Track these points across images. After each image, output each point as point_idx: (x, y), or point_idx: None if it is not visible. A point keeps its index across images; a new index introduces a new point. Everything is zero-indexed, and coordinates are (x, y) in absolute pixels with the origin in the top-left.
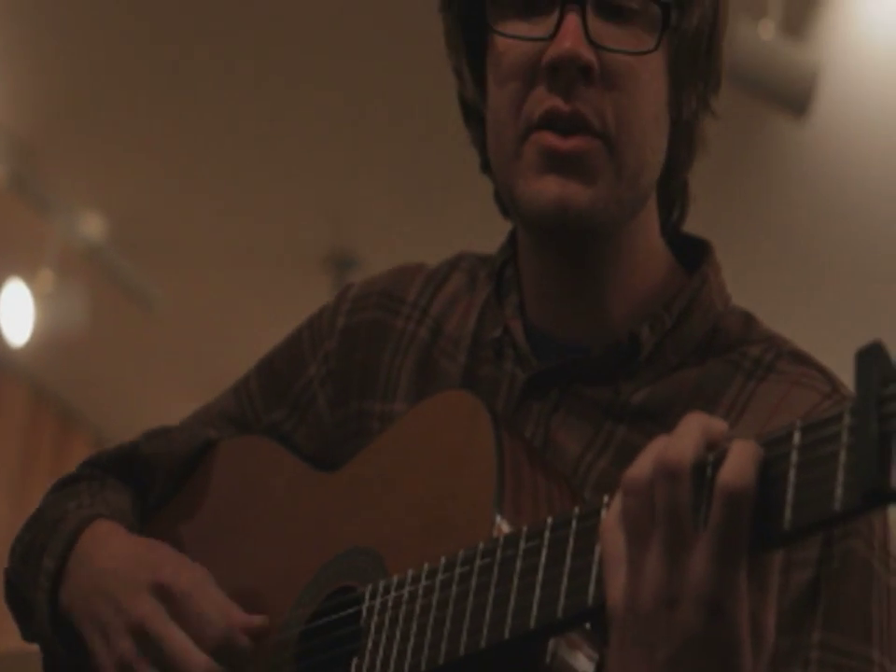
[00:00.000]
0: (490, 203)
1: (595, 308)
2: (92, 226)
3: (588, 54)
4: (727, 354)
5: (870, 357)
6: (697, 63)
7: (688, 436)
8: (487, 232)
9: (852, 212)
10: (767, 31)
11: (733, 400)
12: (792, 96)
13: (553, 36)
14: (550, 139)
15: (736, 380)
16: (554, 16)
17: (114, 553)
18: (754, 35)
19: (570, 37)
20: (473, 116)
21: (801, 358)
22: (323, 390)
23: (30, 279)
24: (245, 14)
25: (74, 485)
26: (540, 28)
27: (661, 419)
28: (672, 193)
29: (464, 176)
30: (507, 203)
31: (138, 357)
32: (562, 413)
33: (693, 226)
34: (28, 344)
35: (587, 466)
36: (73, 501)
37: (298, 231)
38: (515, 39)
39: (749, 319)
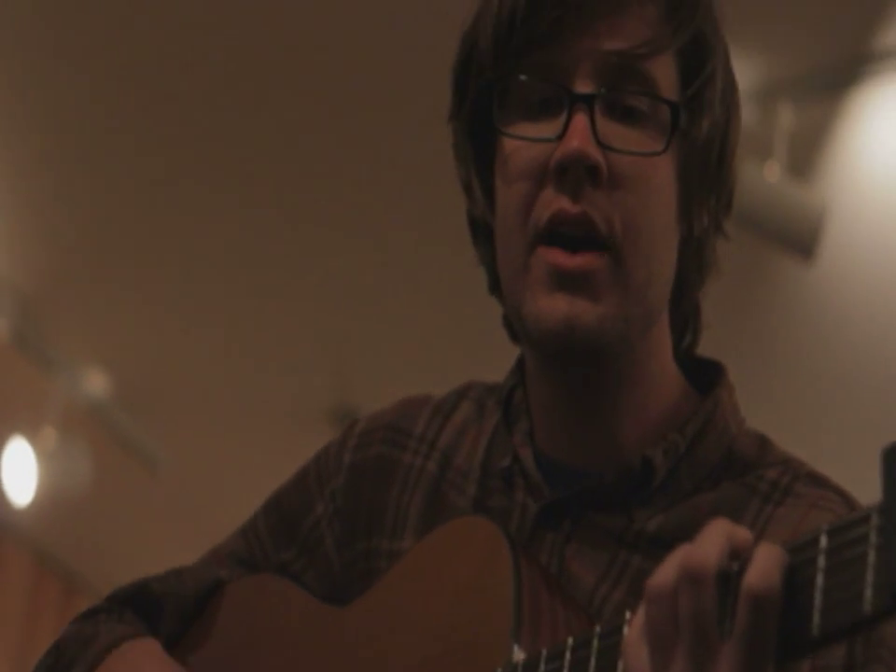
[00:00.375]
0: (498, 353)
1: (607, 433)
2: (95, 383)
3: (596, 154)
4: (743, 477)
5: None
6: (708, 173)
7: (711, 541)
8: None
9: (857, 352)
10: (773, 173)
11: (750, 525)
12: (799, 238)
13: (561, 137)
14: (557, 256)
15: (753, 504)
16: (563, 117)
17: None
18: (760, 177)
19: (578, 137)
20: (482, 233)
21: (818, 481)
22: (330, 529)
23: (33, 437)
24: (246, 174)
25: (94, 616)
26: (549, 129)
27: (676, 547)
28: (684, 315)
29: (470, 328)
30: (514, 321)
31: (142, 518)
32: (576, 543)
33: None
34: (31, 504)
35: (602, 598)
36: (103, 625)
37: (302, 387)
38: (524, 141)
39: (764, 442)
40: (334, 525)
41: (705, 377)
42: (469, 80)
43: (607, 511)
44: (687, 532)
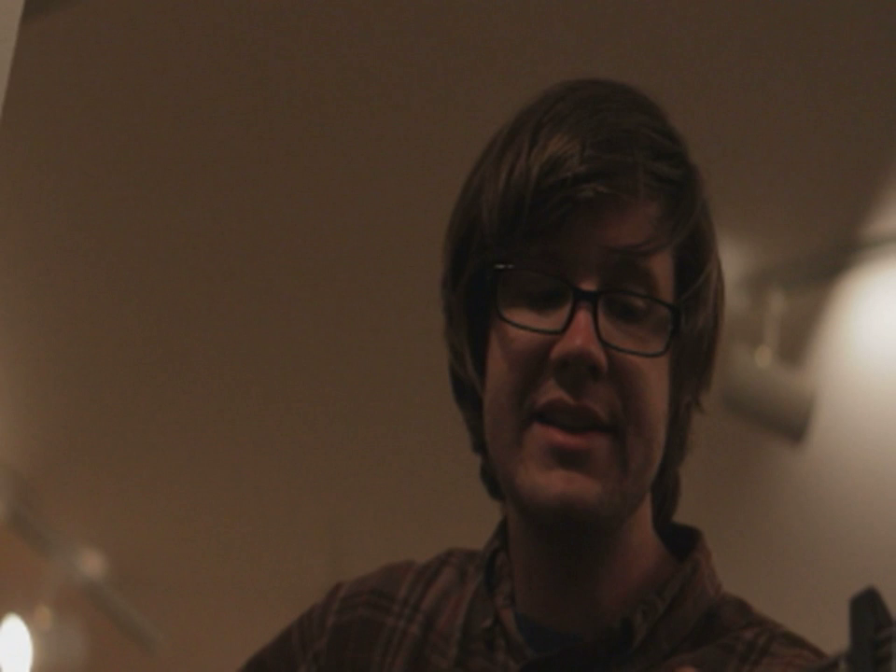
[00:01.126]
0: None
1: (588, 598)
2: (91, 563)
3: (598, 353)
4: (720, 639)
5: (864, 603)
6: (698, 363)
7: None
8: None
9: (846, 535)
10: (764, 358)
11: None
12: (789, 423)
13: (563, 331)
14: (555, 436)
15: (731, 664)
16: (565, 310)
17: None
18: (751, 362)
19: (581, 335)
20: (468, 397)
21: (795, 641)
22: None
23: (28, 617)
24: (242, 369)
25: None
26: (551, 321)
27: None
28: (665, 487)
29: (460, 504)
30: (505, 489)
31: None
32: None
33: None
34: None
35: None
36: None
37: (298, 567)
38: (525, 330)
39: (742, 605)
40: None
41: (682, 543)
42: (468, 255)
43: None
44: None
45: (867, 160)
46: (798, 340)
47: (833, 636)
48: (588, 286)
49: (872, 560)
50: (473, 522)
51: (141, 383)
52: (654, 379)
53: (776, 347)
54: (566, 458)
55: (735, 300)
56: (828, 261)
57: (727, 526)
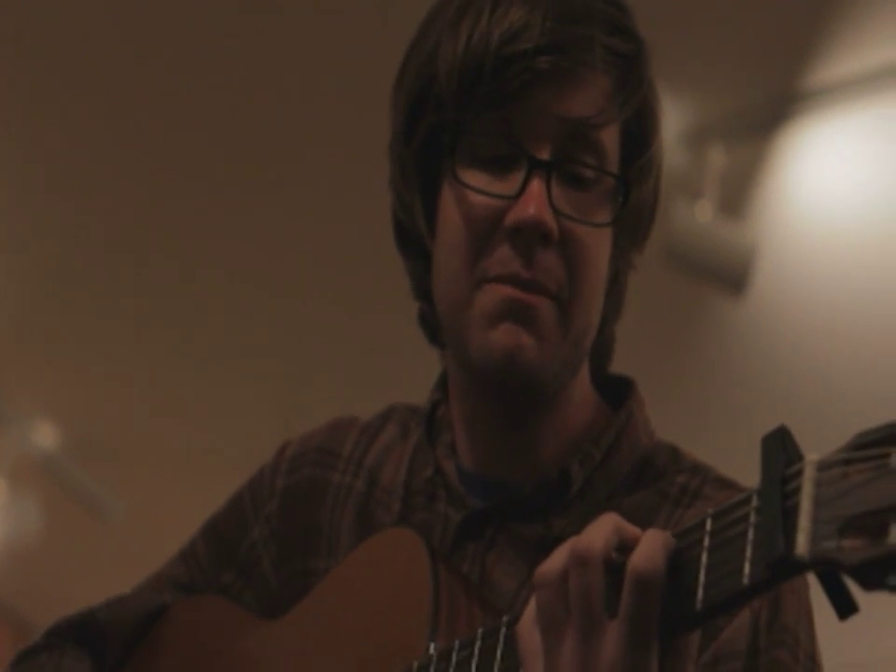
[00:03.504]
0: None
1: (528, 448)
2: (46, 435)
3: (551, 221)
4: (655, 484)
5: (774, 440)
6: (639, 232)
7: (599, 529)
8: None
9: (788, 389)
10: (704, 212)
11: (662, 527)
12: (730, 275)
13: (517, 196)
14: (507, 289)
15: (664, 508)
16: (519, 175)
17: None
18: (691, 217)
19: (535, 202)
20: (413, 245)
21: (726, 483)
22: (267, 552)
23: None
24: (200, 241)
25: (35, 657)
26: (504, 185)
27: None
28: (603, 344)
29: (408, 369)
30: (451, 344)
31: (94, 567)
32: (496, 552)
33: None
34: None
35: (523, 603)
36: (48, 665)
37: (250, 435)
38: (480, 193)
39: (675, 451)
40: (270, 547)
41: (617, 393)
42: (423, 112)
43: (526, 521)
44: None
45: (805, 10)
46: (738, 193)
47: None
48: (542, 154)
49: (810, 401)
50: (419, 381)
51: (94, 252)
52: (599, 248)
53: (716, 201)
54: (515, 311)
55: (675, 154)
56: (768, 113)
57: (671, 377)
